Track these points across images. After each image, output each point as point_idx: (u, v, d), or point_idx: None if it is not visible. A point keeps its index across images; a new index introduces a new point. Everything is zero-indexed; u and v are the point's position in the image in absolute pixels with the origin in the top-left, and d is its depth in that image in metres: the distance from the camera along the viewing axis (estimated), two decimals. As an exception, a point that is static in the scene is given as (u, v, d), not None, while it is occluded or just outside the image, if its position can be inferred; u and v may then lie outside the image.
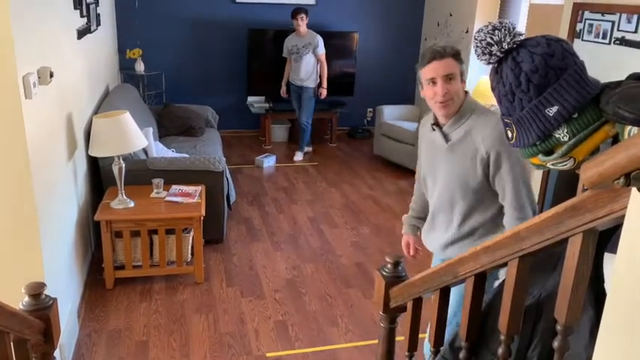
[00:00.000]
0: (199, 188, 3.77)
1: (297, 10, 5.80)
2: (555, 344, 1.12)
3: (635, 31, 3.54)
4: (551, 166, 1.25)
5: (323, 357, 2.99)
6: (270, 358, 2.97)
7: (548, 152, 1.24)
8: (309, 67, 5.96)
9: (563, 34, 2.43)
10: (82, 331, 3.09)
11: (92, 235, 3.84)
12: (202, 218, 3.51)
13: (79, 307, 3.23)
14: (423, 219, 2.45)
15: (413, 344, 1.73)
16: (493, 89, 1.30)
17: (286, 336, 3.15)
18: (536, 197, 2.60)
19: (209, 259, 3.92)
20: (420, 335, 1.73)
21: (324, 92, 6.13)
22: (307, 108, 6.11)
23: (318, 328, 3.24)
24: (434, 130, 2.15)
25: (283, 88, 6.26)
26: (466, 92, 2.11)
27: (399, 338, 1.90)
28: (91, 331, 3.10)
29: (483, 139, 2.02)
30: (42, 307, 1.47)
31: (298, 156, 6.29)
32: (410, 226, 2.51)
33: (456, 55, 2.02)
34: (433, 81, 2.02)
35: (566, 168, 1.22)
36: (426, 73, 2.03)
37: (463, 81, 2.06)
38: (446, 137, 2.12)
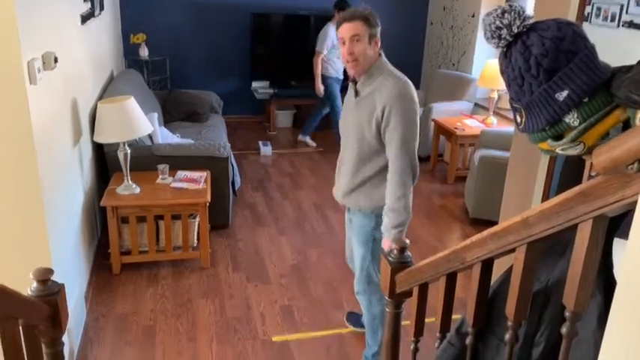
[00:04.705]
0: (204, 174, 3.76)
1: (344, 4, 5.32)
2: (563, 330, 1.12)
3: (644, 15, 3.49)
4: (561, 152, 1.24)
5: (328, 341, 3.01)
6: (276, 342, 2.99)
7: (558, 137, 1.22)
8: None
9: (571, 17, 2.40)
10: (89, 316, 3.12)
11: (98, 221, 3.85)
12: (208, 204, 3.52)
13: (86, 293, 3.25)
14: None
15: (419, 329, 1.73)
16: (502, 73, 1.28)
17: (292, 320, 3.17)
18: (542, 184, 2.59)
19: (215, 244, 3.94)
20: (427, 320, 1.74)
21: None
22: None
23: (324, 312, 3.25)
24: (351, 84, 2.41)
25: (321, 87, 5.77)
26: (380, 54, 2.31)
27: (404, 323, 1.91)
28: (98, 316, 3.13)
29: (381, 97, 2.22)
30: (50, 293, 1.47)
31: (308, 140, 6.25)
32: None
33: (365, 19, 2.22)
34: (343, 41, 2.26)
35: (576, 153, 1.21)
36: (338, 34, 2.28)
37: (376, 43, 2.26)
38: (357, 93, 2.36)
